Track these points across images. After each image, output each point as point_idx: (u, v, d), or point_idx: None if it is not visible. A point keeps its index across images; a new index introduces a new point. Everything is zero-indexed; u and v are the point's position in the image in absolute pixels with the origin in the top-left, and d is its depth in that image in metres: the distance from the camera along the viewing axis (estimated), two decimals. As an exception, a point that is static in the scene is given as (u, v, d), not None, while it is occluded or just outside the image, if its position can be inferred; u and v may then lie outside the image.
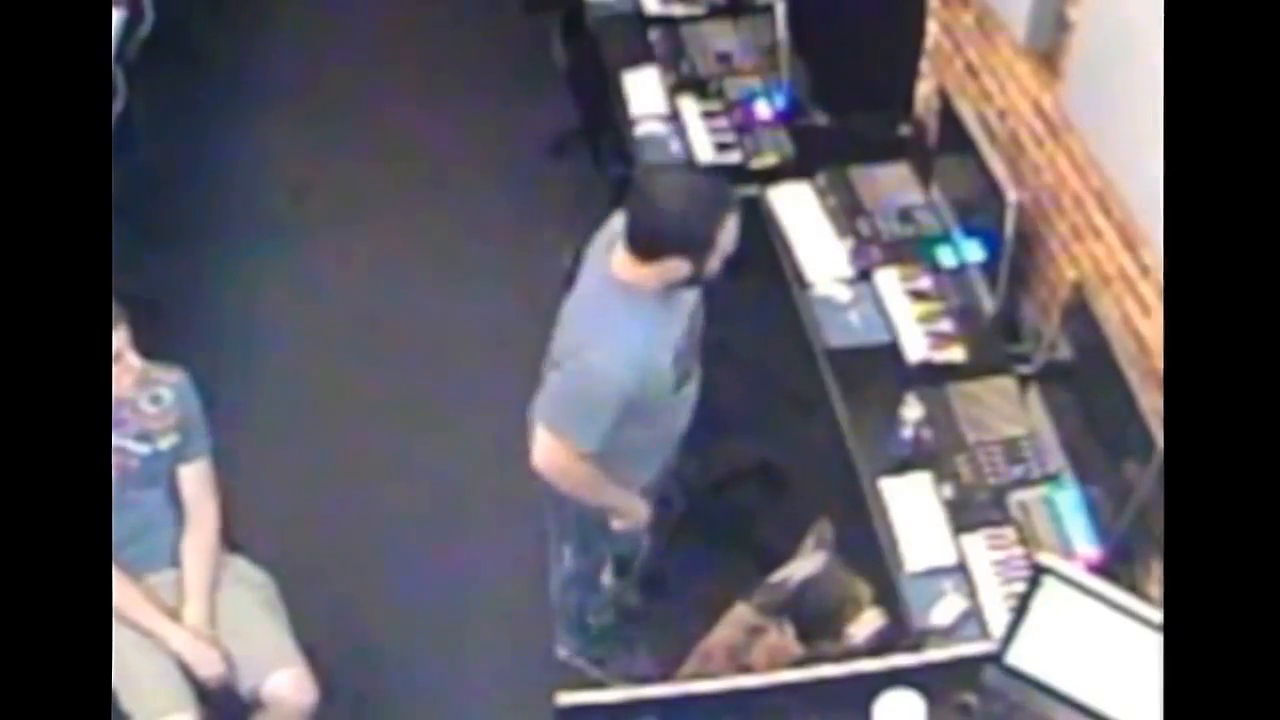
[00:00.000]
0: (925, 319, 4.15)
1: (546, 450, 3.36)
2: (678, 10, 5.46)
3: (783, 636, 3.46)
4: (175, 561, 3.53)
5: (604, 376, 3.21)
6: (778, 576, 3.56)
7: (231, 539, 3.69)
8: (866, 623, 3.48)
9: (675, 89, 5.08)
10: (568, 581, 3.97)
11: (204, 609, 3.49)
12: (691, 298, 3.39)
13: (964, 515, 3.61)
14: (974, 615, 3.40)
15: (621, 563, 3.96)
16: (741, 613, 3.53)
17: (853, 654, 3.36)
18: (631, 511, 3.64)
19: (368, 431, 4.84)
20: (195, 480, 3.56)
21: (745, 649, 3.49)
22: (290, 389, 4.96)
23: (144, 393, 3.44)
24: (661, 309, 3.27)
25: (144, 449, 3.45)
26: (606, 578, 4.00)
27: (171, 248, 5.34)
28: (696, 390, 3.58)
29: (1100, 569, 3.34)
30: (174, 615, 3.46)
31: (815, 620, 3.48)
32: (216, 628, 3.50)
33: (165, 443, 3.48)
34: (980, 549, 3.54)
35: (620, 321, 3.22)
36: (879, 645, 3.40)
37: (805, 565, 3.56)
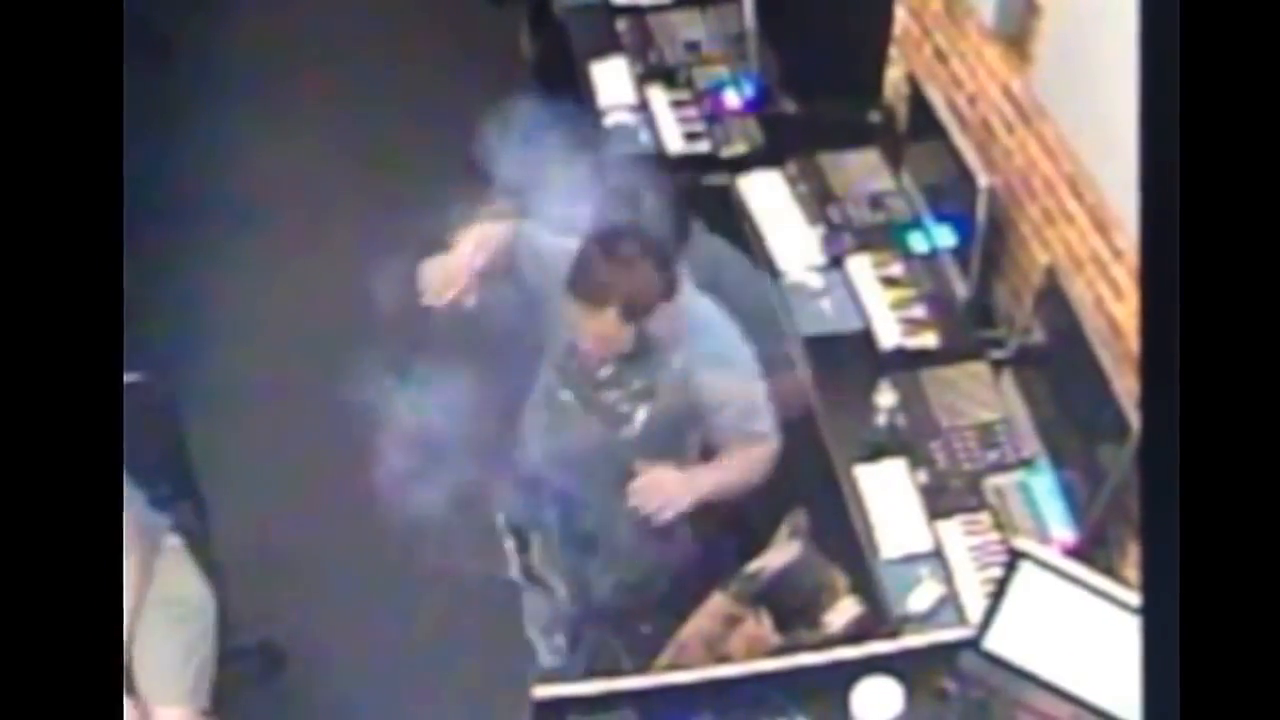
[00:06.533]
0: (897, 305, 4.14)
1: None
2: (645, -1, 5.45)
3: (760, 626, 3.45)
4: None
5: None
6: (753, 566, 3.55)
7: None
8: (843, 610, 3.47)
9: (643, 79, 5.05)
10: None
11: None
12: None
13: (939, 501, 3.61)
14: (951, 601, 3.40)
15: None
16: (718, 603, 3.52)
17: (830, 642, 3.35)
18: None
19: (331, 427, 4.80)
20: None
21: (722, 639, 3.47)
22: (262, 382, 4.92)
23: None
24: None
25: None
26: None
27: (136, 240, 5.28)
28: None
29: (1076, 553, 3.34)
30: None
31: (792, 609, 3.48)
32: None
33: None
34: (956, 535, 3.54)
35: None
36: (856, 633, 3.39)
37: (781, 554, 3.55)
